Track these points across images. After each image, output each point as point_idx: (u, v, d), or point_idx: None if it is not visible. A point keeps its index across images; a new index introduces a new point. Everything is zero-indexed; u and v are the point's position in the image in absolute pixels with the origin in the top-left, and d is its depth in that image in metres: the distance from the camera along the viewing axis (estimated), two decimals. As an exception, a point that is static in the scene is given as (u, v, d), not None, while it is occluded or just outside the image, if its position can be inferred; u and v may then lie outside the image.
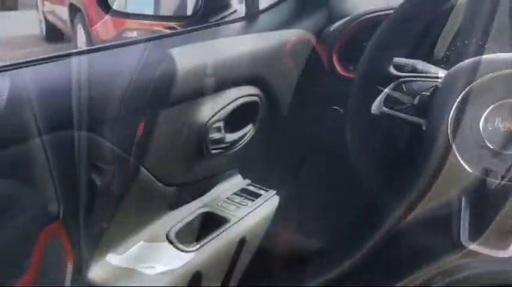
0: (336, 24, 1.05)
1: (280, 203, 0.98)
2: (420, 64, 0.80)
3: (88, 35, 2.99)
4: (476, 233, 0.66)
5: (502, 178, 0.61)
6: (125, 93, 0.70)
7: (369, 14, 1.02)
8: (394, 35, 0.73)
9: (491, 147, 0.62)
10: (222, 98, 0.85)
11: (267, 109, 0.97)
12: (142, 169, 0.75)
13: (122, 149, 0.70)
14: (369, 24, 0.98)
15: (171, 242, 0.82)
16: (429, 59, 0.96)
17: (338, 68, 0.99)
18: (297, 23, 1.02)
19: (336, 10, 1.09)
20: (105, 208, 0.74)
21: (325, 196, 1.05)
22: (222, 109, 0.85)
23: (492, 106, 0.63)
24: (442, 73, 0.73)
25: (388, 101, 0.71)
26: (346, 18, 1.05)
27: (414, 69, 0.79)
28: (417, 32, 0.82)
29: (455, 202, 0.67)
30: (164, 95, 0.74)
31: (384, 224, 0.72)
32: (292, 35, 0.99)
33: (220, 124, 0.86)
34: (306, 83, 1.01)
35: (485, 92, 0.64)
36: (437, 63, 1.00)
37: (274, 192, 0.99)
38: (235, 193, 0.97)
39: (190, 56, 0.79)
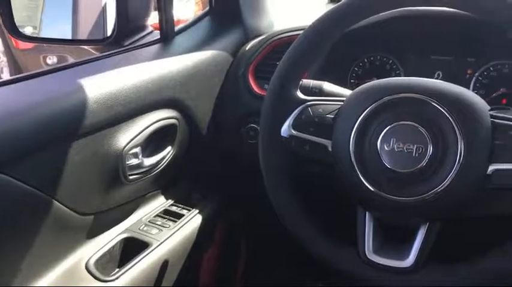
0: (251, 43, 1.08)
1: (203, 221, 0.99)
2: (327, 85, 0.85)
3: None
4: (378, 246, 0.71)
5: (394, 195, 0.66)
6: (33, 128, 0.68)
7: (284, 33, 1.06)
8: (302, 57, 0.75)
9: (388, 167, 0.67)
10: (138, 124, 0.85)
11: (186, 130, 0.98)
12: (55, 202, 0.73)
13: (31, 186, 0.69)
14: (284, 43, 1.02)
15: (90, 272, 0.81)
16: (337, 79, 1.01)
17: (254, 87, 1.02)
18: (213, 44, 1.04)
19: (252, 29, 1.12)
20: (19, 246, 0.72)
21: (247, 212, 1.08)
22: (138, 135, 0.85)
23: (388, 127, 0.68)
24: (348, 94, 0.77)
25: (297, 123, 0.74)
26: (261, 37, 1.08)
27: (321, 91, 0.84)
28: (325, 52, 0.85)
29: (360, 217, 0.72)
30: (75, 126, 0.73)
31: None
32: (208, 55, 1.01)
33: (137, 150, 0.86)
34: (224, 103, 1.04)
35: (382, 114, 0.69)
36: (345, 84, 1.07)
37: (197, 211, 1.00)
38: (157, 215, 0.97)
39: (101, 85, 0.78)
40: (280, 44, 1.02)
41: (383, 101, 0.69)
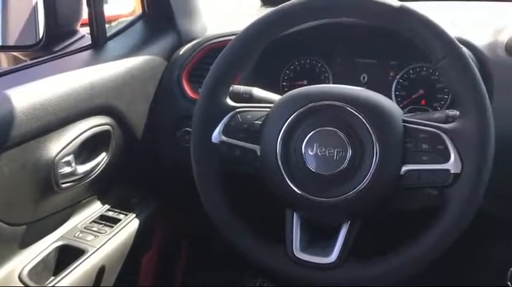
0: (185, 47, 1.09)
1: (140, 225, 1.00)
2: (256, 91, 0.88)
3: None
4: (305, 244, 0.75)
5: (319, 196, 0.71)
6: None
7: (217, 38, 1.08)
8: (230, 65, 0.78)
9: (312, 170, 0.71)
10: (70, 132, 0.85)
11: (121, 136, 0.98)
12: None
13: None
14: (217, 48, 1.04)
15: (23, 282, 0.80)
16: (270, 82, 1.05)
17: (188, 91, 1.04)
18: (146, 49, 1.05)
19: (185, 34, 1.13)
20: None
21: (185, 214, 1.10)
22: (70, 143, 0.85)
23: (311, 133, 0.72)
24: (277, 99, 0.81)
25: (227, 130, 0.77)
26: (195, 42, 1.10)
27: (251, 96, 0.87)
28: (254, 59, 0.88)
29: (288, 218, 0.76)
30: (2, 138, 0.72)
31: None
32: (141, 60, 1.02)
33: (70, 158, 0.86)
34: (159, 107, 1.05)
35: (306, 120, 0.73)
36: (277, 86, 1.10)
37: (134, 215, 1.01)
38: (93, 221, 0.97)
39: (29, 94, 0.77)
40: (213, 48, 1.05)
41: (306, 108, 0.73)
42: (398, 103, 1.05)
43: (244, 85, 0.90)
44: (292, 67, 1.11)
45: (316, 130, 0.72)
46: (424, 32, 0.70)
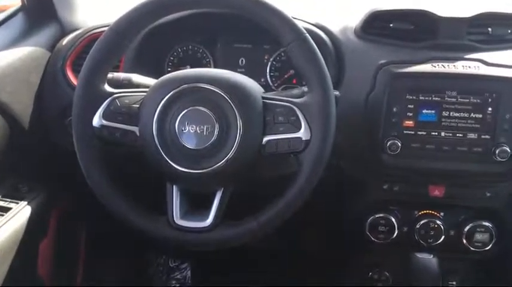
0: (67, 38, 1.12)
1: (33, 212, 1.03)
2: (136, 77, 0.95)
3: None
4: (185, 213, 0.84)
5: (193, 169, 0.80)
6: None
7: (98, 28, 1.12)
8: (104, 53, 0.83)
9: (186, 146, 0.80)
10: None
11: (6, 126, 1.00)
12: None
13: None
14: (98, 37, 1.08)
15: None
16: (155, 69, 1.11)
17: (72, 80, 1.07)
18: (28, 40, 1.07)
19: (67, 24, 1.16)
20: None
21: (80, 199, 1.13)
22: None
23: (183, 112, 0.81)
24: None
25: (106, 114, 0.83)
26: (77, 32, 1.13)
27: (130, 82, 0.94)
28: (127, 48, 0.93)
29: (169, 190, 0.84)
30: None
31: None
32: (23, 52, 1.04)
33: None
34: (45, 97, 1.07)
35: (178, 101, 0.81)
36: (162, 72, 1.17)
37: (26, 203, 1.03)
38: None
39: None
40: (94, 38, 1.08)
41: (178, 90, 0.81)
42: (273, 83, 1.17)
43: (129, 72, 0.96)
44: (175, 53, 1.19)
45: (187, 110, 0.80)
46: (273, 20, 0.80)
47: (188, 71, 0.85)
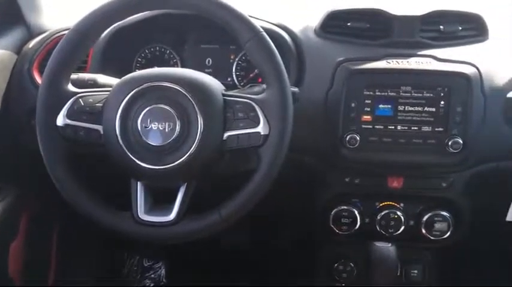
0: (34, 41, 1.14)
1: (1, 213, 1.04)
2: (100, 78, 0.97)
3: None
4: (149, 208, 0.86)
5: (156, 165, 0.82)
6: None
7: (64, 30, 1.13)
8: (66, 55, 0.85)
9: (148, 142, 0.82)
10: None
11: None
12: None
13: None
14: None
15: None
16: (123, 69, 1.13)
17: (39, 82, 1.08)
18: None
19: (34, 27, 1.18)
20: None
21: (50, 199, 1.15)
22: None
23: (145, 110, 0.83)
24: None
25: (70, 113, 0.85)
26: (44, 35, 1.15)
27: (95, 83, 0.96)
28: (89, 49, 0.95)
29: (133, 186, 0.86)
30: None
31: None
32: None
33: None
34: (12, 98, 1.09)
35: (140, 99, 0.84)
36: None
37: None
38: None
39: None
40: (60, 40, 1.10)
41: (140, 89, 0.83)
42: (239, 82, 1.20)
43: (96, 73, 0.98)
44: (143, 55, 1.21)
45: (149, 108, 0.83)
46: (230, 20, 0.83)
47: (150, 70, 0.88)
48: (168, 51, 1.21)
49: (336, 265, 1.20)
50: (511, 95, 0.99)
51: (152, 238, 0.85)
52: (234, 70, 1.19)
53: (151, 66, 1.20)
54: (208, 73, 1.16)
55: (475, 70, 0.97)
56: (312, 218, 1.14)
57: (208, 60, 1.21)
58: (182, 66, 1.21)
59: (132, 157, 0.83)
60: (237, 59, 1.19)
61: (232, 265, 1.50)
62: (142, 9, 0.87)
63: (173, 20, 1.11)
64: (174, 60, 1.21)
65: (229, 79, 1.20)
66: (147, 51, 1.21)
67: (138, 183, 0.86)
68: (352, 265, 1.19)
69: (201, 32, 1.19)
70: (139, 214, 0.85)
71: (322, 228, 1.11)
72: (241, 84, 1.20)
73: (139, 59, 1.21)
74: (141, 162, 0.83)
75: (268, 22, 1.09)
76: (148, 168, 0.83)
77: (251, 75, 1.19)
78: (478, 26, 1.04)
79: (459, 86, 0.97)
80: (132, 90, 0.83)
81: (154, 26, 1.14)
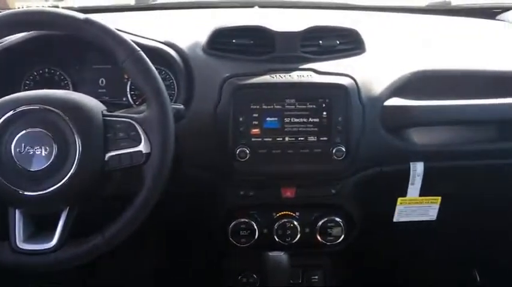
0: None
1: None
2: None
3: None
4: (29, 236, 0.83)
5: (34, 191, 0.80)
6: None
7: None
8: None
9: (24, 168, 0.80)
10: None
11: None
12: None
13: None
14: None
15: None
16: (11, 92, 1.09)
17: None
18: None
19: None
20: None
21: None
22: None
23: (19, 135, 0.80)
24: None
25: None
26: None
27: None
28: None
29: (11, 214, 0.83)
30: None
31: None
32: None
33: None
34: None
35: (14, 123, 0.81)
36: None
37: None
38: None
39: None
40: None
41: (12, 113, 0.81)
42: (134, 101, 1.19)
43: None
44: (31, 77, 1.17)
45: (23, 132, 0.81)
46: (106, 40, 0.83)
47: (21, 94, 0.86)
48: (58, 73, 1.18)
49: (239, 277, 1.21)
50: (388, 103, 1.06)
51: (33, 266, 0.82)
52: (128, 90, 1.18)
53: (40, 89, 1.16)
54: (103, 94, 1.15)
55: (352, 81, 1.03)
56: (208, 233, 1.15)
57: (102, 81, 1.19)
58: (74, 88, 1.18)
59: (7, 183, 0.80)
60: (130, 79, 1.18)
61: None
62: (21, 30, 0.86)
63: (60, 41, 1.08)
64: (65, 82, 1.18)
65: (124, 99, 1.19)
66: (35, 73, 1.17)
67: (17, 210, 0.83)
68: (255, 276, 1.21)
69: (92, 52, 1.17)
70: (17, 242, 0.82)
71: (221, 242, 1.12)
72: (136, 103, 1.19)
73: (28, 82, 1.17)
74: (17, 188, 0.80)
75: (154, 40, 1.09)
76: (26, 194, 0.80)
77: None
78: (355, 40, 1.11)
79: (338, 97, 1.02)
80: (3, 116, 0.81)
81: (41, 47, 1.11)
